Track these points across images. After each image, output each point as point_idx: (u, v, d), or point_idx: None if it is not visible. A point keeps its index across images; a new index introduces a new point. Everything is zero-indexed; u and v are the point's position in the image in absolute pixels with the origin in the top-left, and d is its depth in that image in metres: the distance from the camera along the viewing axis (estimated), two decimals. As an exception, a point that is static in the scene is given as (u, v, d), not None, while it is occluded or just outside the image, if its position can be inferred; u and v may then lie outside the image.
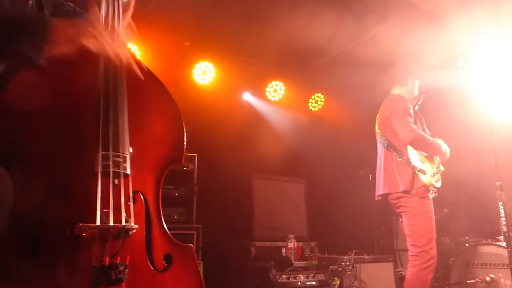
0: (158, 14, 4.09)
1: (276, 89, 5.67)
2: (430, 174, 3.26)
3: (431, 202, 3.29)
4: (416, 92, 3.61)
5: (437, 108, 4.30)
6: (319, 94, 6.01)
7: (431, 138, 3.39)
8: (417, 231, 3.18)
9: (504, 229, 3.05)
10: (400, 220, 3.49)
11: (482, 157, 3.47)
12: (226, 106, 5.10)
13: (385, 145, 3.44)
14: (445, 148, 3.48)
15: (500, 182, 3.05)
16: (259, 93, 5.63)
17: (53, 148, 1.19)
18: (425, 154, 3.40)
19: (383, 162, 3.45)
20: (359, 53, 4.55)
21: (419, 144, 3.30)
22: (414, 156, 3.28)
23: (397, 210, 3.40)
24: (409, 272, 3.17)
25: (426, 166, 3.29)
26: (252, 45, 4.94)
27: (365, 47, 4.58)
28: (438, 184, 3.35)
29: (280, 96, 5.69)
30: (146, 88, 1.40)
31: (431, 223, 3.22)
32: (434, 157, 3.47)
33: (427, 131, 3.58)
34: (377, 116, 3.66)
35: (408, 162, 3.27)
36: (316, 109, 6.02)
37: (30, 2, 1.38)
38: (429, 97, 3.98)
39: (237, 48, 5.05)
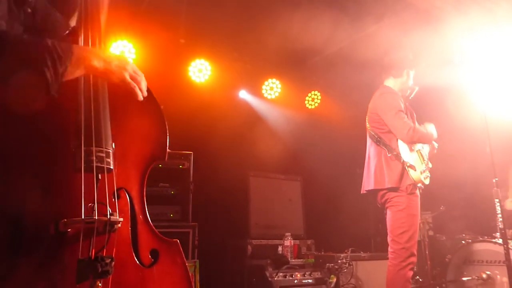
0: (153, 11, 4.06)
1: (272, 87, 5.66)
2: (419, 171, 3.20)
3: (418, 199, 3.23)
4: (410, 82, 3.50)
5: (434, 106, 4.30)
6: (316, 92, 6.01)
7: (424, 131, 3.31)
8: (399, 227, 3.10)
9: (500, 226, 3.05)
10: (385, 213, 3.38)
11: (478, 155, 3.48)
12: (222, 104, 5.09)
13: (375, 140, 3.37)
14: (435, 134, 3.41)
15: (497, 179, 3.05)
16: (256, 91, 5.61)
17: (33, 144, 1.19)
18: (417, 149, 3.34)
19: (373, 157, 3.37)
20: (356, 51, 4.54)
21: (415, 140, 3.24)
22: (405, 151, 3.22)
23: (385, 205, 3.30)
24: (389, 271, 3.11)
25: (416, 162, 3.23)
26: (248, 43, 4.92)
27: (361, 45, 4.57)
28: (427, 181, 3.31)
29: (277, 94, 5.67)
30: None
31: (415, 220, 3.15)
32: (424, 153, 3.42)
33: (417, 125, 3.45)
34: (369, 108, 3.55)
35: (398, 157, 3.21)
36: (313, 107, 6.02)
37: (29, 11, 1.37)
38: (426, 96, 3.98)
39: (233, 45, 5.03)
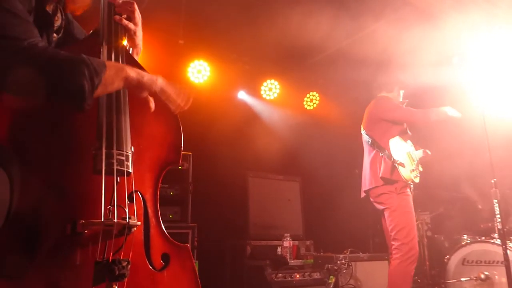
0: (152, 12, 4.05)
1: (271, 88, 5.67)
2: (409, 169, 3.42)
3: (410, 198, 3.43)
4: (400, 99, 3.79)
5: (433, 105, 4.30)
6: (314, 93, 6.01)
7: (429, 110, 3.55)
8: (396, 225, 3.33)
9: (498, 227, 3.06)
10: (382, 217, 3.58)
11: (477, 155, 3.49)
12: (221, 105, 5.09)
13: (369, 143, 3.61)
14: (451, 112, 3.55)
15: (495, 180, 3.06)
16: (254, 91, 5.62)
17: (53, 146, 1.20)
18: (407, 150, 3.55)
19: (368, 159, 3.60)
20: (354, 51, 4.55)
21: (434, 116, 3.48)
22: (396, 151, 3.44)
23: (376, 205, 3.55)
24: (391, 264, 3.34)
25: (406, 161, 3.44)
26: (247, 44, 4.93)
27: (360, 45, 4.58)
28: (417, 180, 3.52)
29: (275, 95, 5.68)
30: None
31: (410, 217, 3.36)
32: (413, 156, 3.62)
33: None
34: (364, 115, 3.80)
35: (389, 156, 3.42)
36: (311, 107, 6.03)
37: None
38: (424, 95, 3.99)
39: (232, 46, 5.03)
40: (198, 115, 4.61)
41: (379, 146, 3.51)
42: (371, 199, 3.58)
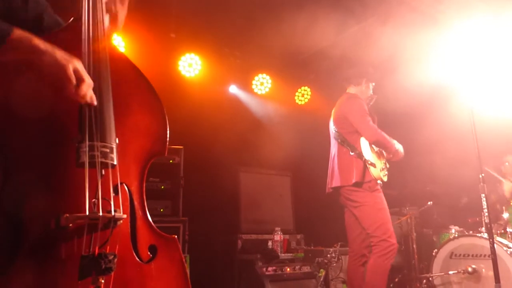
0: (143, 4, 4.01)
1: (262, 82, 5.66)
2: (379, 168, 3.45)
3: (382, 194, 3.47)
4: (370, 92, 3.79)
5: (421, 104, 4.35)
6: (306, 88, 6.02)
7: (388, 138, 3.57)
8: (374, 222, 3.34)
9: (486, 221, 3.10)
10: (346, 214, 3.62)
11: (464, 150, 3.53)
12: (213, 99, 5.07)
13: (339, 141, 3.61)
14: (398, 147, 3.62)
15: (483, 175, 3.10)
16: (246, 86, 5.61)
17: (35, 140, 1.18)
18: (376, 149, 3.57)
19: (337, 156, 3.60)
20: (346, 47, 4.56)
21: (379, 143, 3.50)
22: (366, 150, 3.45)
23: (347, 203, 3.54)
24: (371, 260, 3.33)
25: (376, 161, 3.47)
26: (239, 38, 4.91)
27: (351, 41, 4.59)
28: (385, 178, 3.55)
29: (267, 90, 5.67)
30: (130, 82, 1.41)
31: (385, 213, 3.39)
32: (382, 154, 3.64)
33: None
34: (332, 112, 3.80)
35: (360, 155, 3.44)
36: (303, 102, 6.03)
37: None
38: (414, 93, 4.02)
39: (224, 40, 5.01)
40: (189, 109, 4.61)
41: (349, 144, 3.52)
42: (342, 196, 3.57)
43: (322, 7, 4.12)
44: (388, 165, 3.66)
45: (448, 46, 3.88)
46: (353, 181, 3.37)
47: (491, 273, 2.99)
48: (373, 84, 3.82)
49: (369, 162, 3.39)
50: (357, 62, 3.91)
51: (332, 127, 3.75)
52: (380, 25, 4.16)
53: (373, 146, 3.53)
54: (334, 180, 3.56)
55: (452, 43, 3.82)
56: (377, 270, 3.25)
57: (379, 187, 3.46)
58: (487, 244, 3.21)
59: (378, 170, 3.42)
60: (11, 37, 1.12)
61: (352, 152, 3.48)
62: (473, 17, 3.91)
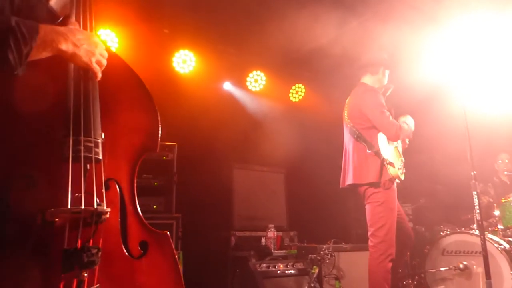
0: (137, 0, 4.00)
1: (257, 79, 5.65)
2: (397, 167, 3.32)
3: (396, 193, 3.35)
4: (385, 81, 3.61)
5: (413, 100, 4.36)
6: (300, 85, 6.02)
7: (407, 127, 3.46)
8: (378, 221, 3.23)
9: (477, 218, 3.13)
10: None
11: (457, 148, 3.55)
12: (207, 95, 5.06)
13: (355, 136, 3.44)
14: (413, 127, 3.54)
15: (475, 172, 3.12)
16: (240, 83, 5.60)
17: (19, 133, 1.17)
18: (394, 145, 3.44)
19: (352, 153, 3.45)
20: (340, 45, 4.56)
21: (401, 137, 3.39)
22: (385, 148, 3.32)
23: (365, 201, 3.41)
24: (370, 264, 3.24)
25: (395, 159, 3.34)
26: (234, 35, 4.89)
27: (346, 39, 4.59)
28: (403, 177, 3.43)
29: (261, 86, 5.67)
30: (118, 77, 1.40)
31: (393, 214, 3.26)
32: (399, 150, 3.53)
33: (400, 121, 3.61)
34: (346, 104, 3.63)
35: (378, 154, 3.29)
36: (297, 99, 6.04)
37: None
38: (405, 90, 4.02)
39: (218, 37, 4.99)
40: (183, 106, 4.59)
41: (367, 141, 3.35)
42: (359, 192, 3.44)
43: (317, 5, 4.12)
44: (403, 160, 3.54)
45: (445, 45, 3.89)
46: (370, 180, 3.25)
47: (482, 269, 3.02)
48: (388, 71, 3.62)
49: (387, 162, 3.25)
50: (371, 48, 3.72)
51: (347, 121, 3.55)
52: (378, 23, 4.15)
53: (390, 141, 3.39)
54: (349, 178, 3.40)
55: (450, 41, 3.82)
56: (379, 273, 3.17)
57: (394, 185, 3.31)
58: (478, 241, 3.23)
59: (396, 169, 3.28)
60: (39, 35, 1.13)
61: (369, 149, 3.31)
62: (471, 14, 3.92)
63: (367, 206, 3.37)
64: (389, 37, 3.97)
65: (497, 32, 4.15)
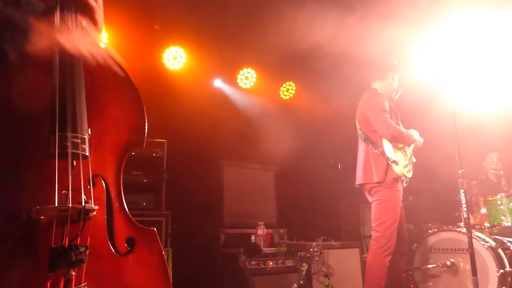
0: (127, -5, 3.96)
1: (247, 76, 5.64)
2: (402, 165, 3.47)
3: (400, 192, 3.49)
4: (395, 85, 3.76)
5: (403, 99, 4.38)
6: (291, 83, 6.03)
7: (405, 132, 3.61)
8: (380, 217, 3.40)
9: (464, 216, 3.16)
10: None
11: (445, 146, 3.58)
12: (197, 92, 5.04)
13: (363, 138, 3.65)
14: (417, 137, 3.71)
15: (462, 171, 3.16)
16: (231, 80, 5.59)
17: (4, 131, 1.15)
18: (400, 145, 3.61)
19: (361, 154, 3.65)
20: (332, 44, 4.56)
21: (396, 138, 3.52)
22: (389, 148, 3.47)
23: (370, 199, 3.60)
24: (369, 255, 3.42)
25: (399, 158, 3.50)
26: (224, 31, 4.87)
27: (338, 38, 4.60)
28: (410, 175, 3.58)
29: (252, 84, 5.66)
30: (104, 71, 1.37)
31: (396, 212, 3.41)
32: (407, 149, 3.68)
33: (401, 125, 3.75)
34: (358, 109, 3.80)
35: (383, 153, 3.47)
36: (287, 97, 6.05)
37: None
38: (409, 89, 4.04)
39: (209, 33, 4.97)
40: (173, 102, 4.58)
41: (373, 142, 3.55)
42: (365, 191, 3.65)
43: (311, 2, 4.11)
44: (414, 160, 3.72)
45: (436, 44, 3.91)
46: (375, 180, 3.43)
47: (469, 266, 3.06)
48: (398, 75, 3.77)
49: (391, 160, 3.41)
50: (374, 53, 3.83)
51: (357, 124, 3.77)
52: (371, 21, 4.16)
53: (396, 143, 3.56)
54: (359, 177, 3.62)
55: (441, 40, 3.84)
56: (376, 267, 3.31)
57: (398, 185, 3.46)
58: (465, 238, 3.27)
59: (401, 167, 3.44)
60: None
61: (375, 150, 3.51)
62: (465, 12, 3.94)
63: (372, 204, 3.54)
64: (386, 37, 3.99)
65: (488, 30, 4.19)
